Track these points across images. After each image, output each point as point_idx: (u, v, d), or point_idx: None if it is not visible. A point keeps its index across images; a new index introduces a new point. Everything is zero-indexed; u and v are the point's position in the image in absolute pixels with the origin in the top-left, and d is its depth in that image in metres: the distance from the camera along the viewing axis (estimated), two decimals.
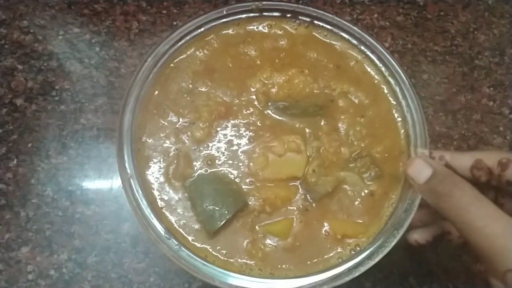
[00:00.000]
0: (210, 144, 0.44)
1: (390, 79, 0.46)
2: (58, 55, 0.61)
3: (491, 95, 0.64)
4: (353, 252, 0.41)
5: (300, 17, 0.48)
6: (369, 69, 0.47)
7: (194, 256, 0.39)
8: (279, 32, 0.48)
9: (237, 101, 0.45)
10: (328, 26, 0.48)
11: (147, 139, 0.43)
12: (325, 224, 0.42)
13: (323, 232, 0.42)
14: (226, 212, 0.40)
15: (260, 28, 0.48)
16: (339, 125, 0.45)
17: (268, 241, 0.41)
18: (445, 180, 0.35)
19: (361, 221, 0.42)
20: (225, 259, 0.40)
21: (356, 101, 0.46)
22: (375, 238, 0.41)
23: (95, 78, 0.60)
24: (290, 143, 0.43)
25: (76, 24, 0.63)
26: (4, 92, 0.59)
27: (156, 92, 0.45)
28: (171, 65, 0.46)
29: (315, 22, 0.48)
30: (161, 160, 0.43)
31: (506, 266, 0.30)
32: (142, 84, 0.44)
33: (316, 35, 0.48)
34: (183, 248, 0.39)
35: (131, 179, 0.41)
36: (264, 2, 0.47)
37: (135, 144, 0.42)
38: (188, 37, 0.46)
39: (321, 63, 0.47)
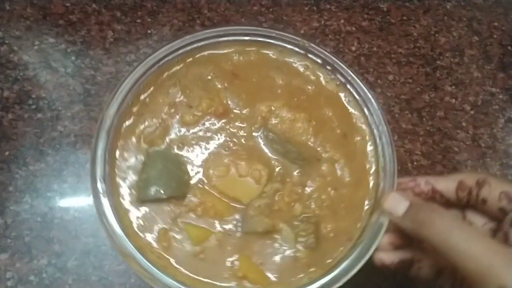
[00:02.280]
0: (192, 131, 0.45)
1: (381, 173, 0.44)
2: (34, 65, 0.62)
3: (453, 93, 0.67)
4: None
5: (337, 75, 0.48)
6: (368, 150, 0.46)
7: (112, 210, 0.40)
8: (312, 77, 0.49)
9: (238, 111, 0.47)
10: (356, 96, 0.47)
11: (146, 99, 0.45)
12: (236, 256, 0.41)
13: (228, 261, 0.41)
14: (162, 192, 0.41)
15: (298, 64, 0.49)
16: (309, 183, 0.44)
17: (179, 238, 0.41)
18: (424, 208, 0.36)
19: (268, 275, 0.41)
20: (137, 231, 0.41)
21: (339, 173, 0.45)
22: None
23: (71, 86, 0.61)
24: (255, 171, 0.44)
25: (52, 34, 0.64)
26: None
27: (178, 68, 0.47)
28: (204, 53, 0.48)
29: (348, 86, 0.47)
30: (144, 119, 0.45)
31: (496, 282, 0.30)
32: (167, 54, 0.46)
33: (341, 97, 0.48)
34: (106, 198, 0.40)
35: (106, 118, 0.43)
36: (312, 44, 0.48)
37: (131, 98, 0.44)
38: (230, 38, 0.48)
39: (331, 124, 0.47)
